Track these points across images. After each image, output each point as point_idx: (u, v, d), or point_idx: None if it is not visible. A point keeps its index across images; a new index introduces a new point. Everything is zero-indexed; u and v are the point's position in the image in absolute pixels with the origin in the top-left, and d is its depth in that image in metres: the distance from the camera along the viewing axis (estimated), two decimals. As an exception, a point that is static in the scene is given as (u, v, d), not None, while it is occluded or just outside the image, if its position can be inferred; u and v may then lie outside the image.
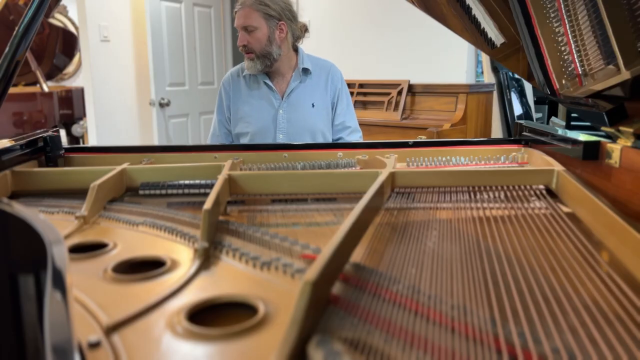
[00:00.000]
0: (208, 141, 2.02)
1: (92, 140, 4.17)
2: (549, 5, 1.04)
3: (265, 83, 1.91)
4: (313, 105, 1.92)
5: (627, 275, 0.66)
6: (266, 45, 1.82)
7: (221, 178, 1.03)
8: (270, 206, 1.07)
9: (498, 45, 1.38)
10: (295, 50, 1.95)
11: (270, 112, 1.90)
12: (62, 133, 4.81)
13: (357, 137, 2.00)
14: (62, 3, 5.58)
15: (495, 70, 1.91)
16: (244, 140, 1.91)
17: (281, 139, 1.89)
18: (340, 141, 1.96)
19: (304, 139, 1.89)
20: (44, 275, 0.59)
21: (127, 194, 1.19)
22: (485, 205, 0.99)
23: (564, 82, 1.09)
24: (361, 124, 2.07)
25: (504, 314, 0.56)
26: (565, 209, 0.95)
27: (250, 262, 0.75)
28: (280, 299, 0.63)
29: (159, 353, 0.52)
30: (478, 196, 1.04)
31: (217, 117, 1.99)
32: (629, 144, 0.91)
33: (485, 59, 3.10)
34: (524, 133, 1.39)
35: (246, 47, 1.82)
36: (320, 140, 1.91)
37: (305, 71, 1.92)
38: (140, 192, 1.17)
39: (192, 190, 1.16)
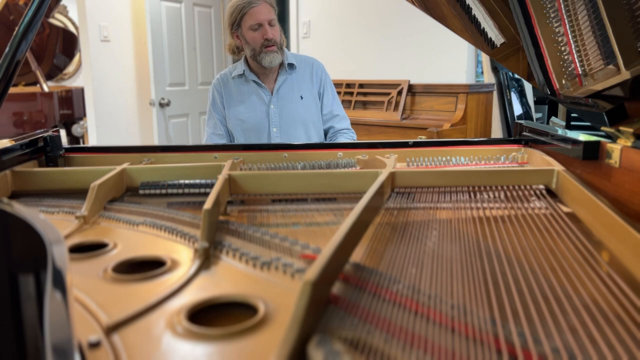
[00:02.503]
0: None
1: (92, 140, 4.17)
2: (549, 5, 1.04)
3: (254, 81, 2.01)
4: (302, 98, 2.02)
5: (627, 275, 0.66)
6: (281, 37, 1.96)
7: (221, 178, 1.03)
8: (270, 206, 1.07)
9: (498, 45, 1.38)
10: None
11: (262, 108, 2.00)
12: (62, 133, 4.81)
13: (346, 123, 2.10)
14: (62, 3, 5.58)
15: (495, 70, 1.91)
16: (240, 137, 2.00)
17: (275, 132, 1.98)
18: (331, 129, 2.07)
19: (297, 131, 1.99)
20: (44, 275, 0.59)
21: (127, 193, 1.19)
22: (485, 205, 0.99)
23: (564, 82, 1.09)
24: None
25: (504, 314, 0.56)
26: (565, 209, 0.95)
27: (250, 262, 0.75)
28: (280, 299, 0.63)
29: (159, 353, 0.52)
30: (478, 196, 1.04)
31: (216, 117, 2.05)
32: (629, 144, 0.91)
33: (485, 59, 3.10)
34: (524, 133, 1.39)
35: (272, 40, 1.90)
36: (312, 130, 2.02)
37: (291, 66, 2.03)
38: (140, 192, 1.17)
39: (192, 190, 1.16)
